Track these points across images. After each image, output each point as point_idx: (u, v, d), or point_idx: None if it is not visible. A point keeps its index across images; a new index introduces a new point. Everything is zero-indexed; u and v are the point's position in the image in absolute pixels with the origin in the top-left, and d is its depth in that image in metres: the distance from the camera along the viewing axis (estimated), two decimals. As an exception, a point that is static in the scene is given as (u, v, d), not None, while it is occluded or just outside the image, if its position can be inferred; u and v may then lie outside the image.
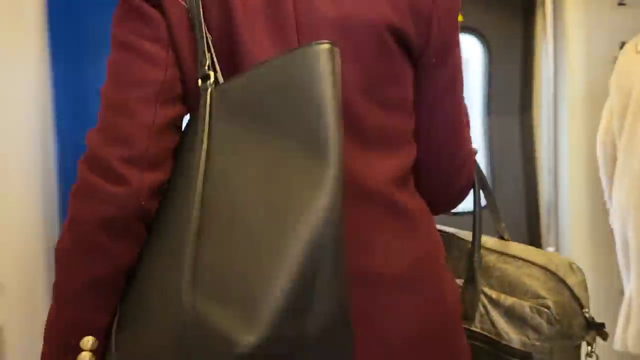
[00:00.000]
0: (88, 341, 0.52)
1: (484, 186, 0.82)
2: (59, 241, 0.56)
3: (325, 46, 0.51)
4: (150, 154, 0.54)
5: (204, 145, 0.51)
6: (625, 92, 1.51)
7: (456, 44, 0.68)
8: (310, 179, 0.48)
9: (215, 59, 0.55)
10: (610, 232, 1.58)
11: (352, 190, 0.56)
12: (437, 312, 0.64)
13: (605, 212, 1.62)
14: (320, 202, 0.46)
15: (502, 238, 0.83)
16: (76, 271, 0.54)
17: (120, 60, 0.56)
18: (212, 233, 0.50)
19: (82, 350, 0.52)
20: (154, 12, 0.56)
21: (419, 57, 0.65)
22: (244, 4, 0.57)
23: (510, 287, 0.74)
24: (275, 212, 0.48)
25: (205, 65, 0.54)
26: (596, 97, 1.76)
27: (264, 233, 0.48)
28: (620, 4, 1.78)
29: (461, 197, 0.77)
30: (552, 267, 0.74)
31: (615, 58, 1.63)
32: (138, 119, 0.54)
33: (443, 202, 0.75)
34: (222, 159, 0.52)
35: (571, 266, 0.76)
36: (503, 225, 0.83)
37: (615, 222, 1.56)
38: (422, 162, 0.68)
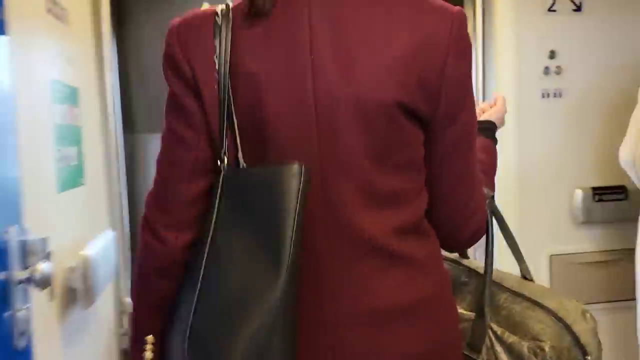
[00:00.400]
0: (149, 338, 0.72)
1: (502, 227, 0.87)
2: (132, 273, 0.79)
3: (295, 167, 0.62)
4: (184, 220, 0.69)
5: (213, 218, 0.66)
6: None
7: (466, 106, 0.71)
8: (267, 276, 0.61)
9: (238, 141, 0.67)
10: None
11: (359, 243, 0.67)
12: (435, 347, 0.70)
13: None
14: (267, 304, 0.60)
15: (524, 278, 0.87)
16: (137, 295, 0.75)
17: (166, 141, 0.70)
18: (206, 298, 0.64)
19: (146, 342, 0.72)
20: (191, 103, 0.68)
21: (428, 123, 0.69)
22: (268, 81, 0.66)
23: (514, 326, 0.79)
24: (245, 293, 0.62)
25: (222, 150, 0.67)
26: (526, 105, 1.70)
27: (232, 311, 0.62)
28: (551, 10, 1.68)
29: (472, 242, 0.80)
30: (562, 313, 0.77)
31: (546, 67, 1.66)
32: (175, 194, 0.69)
33: (453, 246, 0.82)
34: (222, 233, 0.65)
35: (584, 313, 0.78)
36: (525, 265, 0.88)
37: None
38: (432, 211, 0.74)
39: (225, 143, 0.67)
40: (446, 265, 0.86)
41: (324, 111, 0.66)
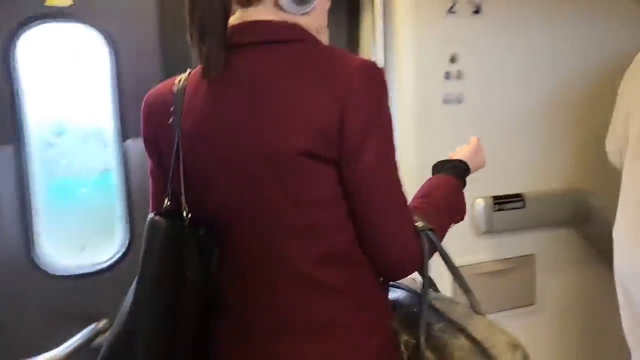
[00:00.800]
0: None
1: (444, 260, 0.87)
2: None
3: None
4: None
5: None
6: None
7: (370, 147, 0.75)
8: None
9: (183, 192, 0.82)
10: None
11: (285, 271, 0.78)
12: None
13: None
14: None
15: (474, 310, 0.87)
16: None
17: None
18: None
19: None
20: (152, 145, 0.86)
21: (337, 164, 0.76)
22: (205, 138, 0.79)
23: (441, 355, 0.83)
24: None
25: (166, 198, 0.85)
26: (427, 111, 1.66)
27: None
28: (451, 11, 1.63)
29: (401, 273, 0.84)
30: (487, 344, 0.80)
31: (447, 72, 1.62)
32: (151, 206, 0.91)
33: (386, 276, 0.85)
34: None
35: (513, 346, 0.79)
36: (474, 297, 0.88)
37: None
38: (359, 242, 0.79)
39: (168, 192, 0.84)
40: (402, 293, 0.93)
41: (243, 163, 0.77)
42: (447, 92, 1.67)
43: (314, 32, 0.82)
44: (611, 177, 1.57)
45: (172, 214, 0.81)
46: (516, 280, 1.82)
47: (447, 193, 0.95)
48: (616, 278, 1.48)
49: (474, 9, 1.67)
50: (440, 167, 1.02)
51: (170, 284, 0.79)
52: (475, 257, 1.75)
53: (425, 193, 0.93)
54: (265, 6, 0.80)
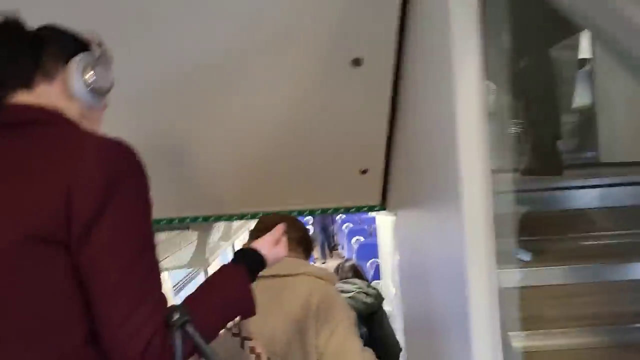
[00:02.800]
0: None
1: (200, 352, 0.82)
2: None
3: None
4: None
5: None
6: None
7: (105, 221, 0.73)
8: None
9: None
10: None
11: None
12: None
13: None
14: None
15: None
16: None
17: None
18: None
19: None
20: None
21: (67, 245, 0.73)
22: None
23: None
24: None
25: None
26: None
27: None
28: None
29: None
30: None
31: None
32: None
33: None
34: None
35: None
36: None
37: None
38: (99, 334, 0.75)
39: None
40: None
41: None
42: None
43: (75, 117, 0.85)
44: None
45: None
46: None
47: (230, 284, 0.93)
48: None
49: None
50: (237, 256, 1.03)
51: None
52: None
53: (204, 282, 0.92)
54: (33, 91, 0.83)
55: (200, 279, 4.66)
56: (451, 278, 1.03)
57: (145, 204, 0.79)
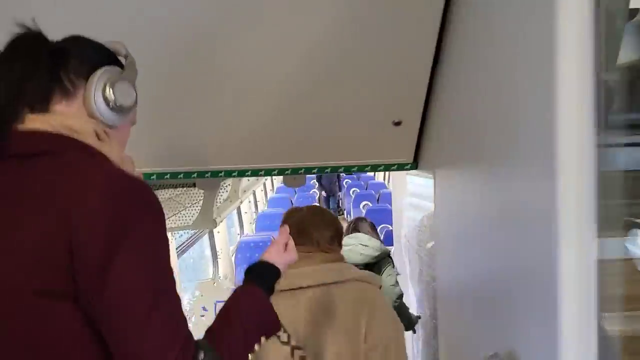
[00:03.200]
0: None
1: None
2: None
3: None
4: None
5: None
6: None
7: (114, 271, 0.68)
8: None
9: None
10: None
11: None
12: None
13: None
14: None
15: None
16: None
17: None
18: None
19: None
20: None
21: (76, 297, 0.68)
22: None
23: None
24: None
25: None
26: None
27: None
28: None
29: None
30: None
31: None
32: None
33: None
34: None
35: None
36: None
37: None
38: None
39: None
40: None
41: None
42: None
43: (94, 139, 0.77)
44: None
45: None
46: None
47: (249, 308, 0.90)
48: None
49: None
50: (248, 273, 0.99)
51: None
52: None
53: (222, 311, 0.88)
54: (45, 115, 0.76)
55: (205, 241, 4.48)
56: (528, 244, 0.88)
57: (160, 241, 0.74)
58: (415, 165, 1.93)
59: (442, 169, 1.63)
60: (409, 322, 2.43)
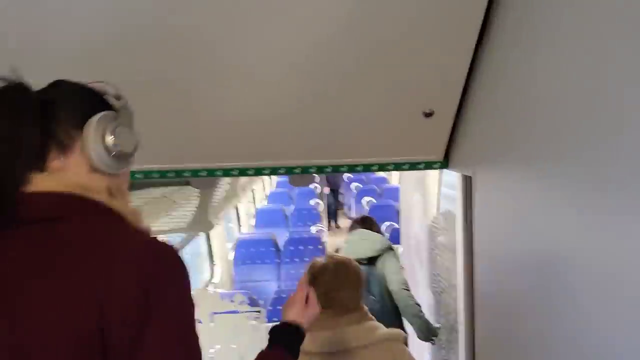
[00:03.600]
0: None
1: None
2: None
3: None
4: None
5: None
6: None
7: (144, 341, 0.66)
8: None
9: None
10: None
11: None
12: None
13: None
14: None
15: None
16: None
17: None
18: None
19: None
20: None
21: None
22: None
23: None
24: None
25: None
26: None
27: None
28: None
29: None
30: None
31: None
32: None
33: None
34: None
35: None
36: None
37: None
38: None
39: None
40: None
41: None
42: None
43: (103, 192, 0.75)
44: None
45: None
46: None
47: None
48: None
49: None
50: (271, 338, 1.00)
51: None
52: None
53: None
54: (53, 175, 0.72)
55: (201, 236, 4.20)
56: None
57: (189, 308, 0.72)
58: (445, 163, 1.65)
59: (485, 169, 1.35)
60: (429, 332, 2.39)
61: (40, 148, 0.72)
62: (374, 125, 1.54)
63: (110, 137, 0.75)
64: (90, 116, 0.75)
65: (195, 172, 1.66)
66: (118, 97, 0.79)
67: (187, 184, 2.38)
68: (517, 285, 1.13)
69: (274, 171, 1.68)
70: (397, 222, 6.49)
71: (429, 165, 1.66)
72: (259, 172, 1.67)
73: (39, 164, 0.72)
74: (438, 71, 1.36)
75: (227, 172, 1.66)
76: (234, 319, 2.42)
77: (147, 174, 1.66)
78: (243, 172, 1.66)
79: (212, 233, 4.62)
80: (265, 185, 9.76)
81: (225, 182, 2.64)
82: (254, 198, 8.36)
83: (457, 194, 1.87)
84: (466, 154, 1.50)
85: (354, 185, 9.64)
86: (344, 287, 1.45)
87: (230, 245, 5.54)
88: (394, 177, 9.53)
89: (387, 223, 5.82)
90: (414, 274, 3.23)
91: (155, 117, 1.45)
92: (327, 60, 1.33)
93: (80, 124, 0.75)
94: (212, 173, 1.66)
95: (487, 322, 1.42)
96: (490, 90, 1.28)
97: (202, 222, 2.39)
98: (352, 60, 1.33)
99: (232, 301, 2.43)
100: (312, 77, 1.38)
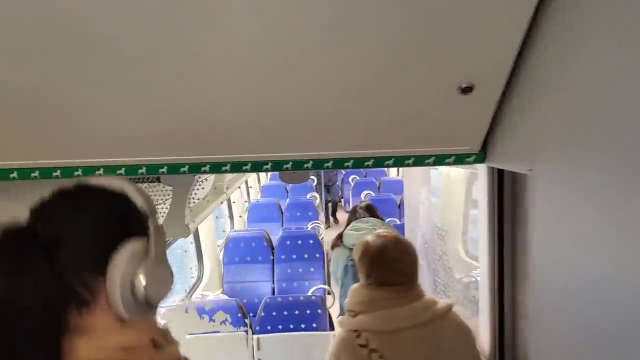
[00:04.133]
0: None
1: None
2: None
3: None
4: None
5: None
6: None
7: None
8: None
9: None
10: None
11: None
12: None
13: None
14: None
15: None
16: None
17: None
18: None
19: None
20: None
21: None
22: None
23: None
24: None
25: None
26: None
27: None
28: None
29: None
30: None
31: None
32: None
33: None
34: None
35: None
36: None
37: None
38: None
39: None
40: None
41: None
42: None
43: (146, 355, 0.64)
44: None
45: None
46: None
47: None
48: None
49: None
50: None
51: None
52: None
53: None
54: (71, 332, 0.61)
55: (184, 243, 3.82)
56: None
57: None
58: (482, 156, 1.26)
59: (546, 164, 0.96)
60: None
61: (57, 308, 0.61)
62: (390, 109, 1.14)
63: (140, 278, 0.62)
64: (110, 252, 0.62)
65: (152, 168, 1.26)
66: (150, 215, 0.65)
67: (158, 180, 1.97)
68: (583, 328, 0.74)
69: (256, 166, 1.28)
70: (398, 218, 6.14)
71: (459, 159, 1.26)
72: (236, 167, 1.27)
73: (63, 328, 0.61)
74: (485, 31, 0.96)
75: (194, 168, 1.26)
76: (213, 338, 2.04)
77: (86, 171, 1.26)
78: (216, 167, 1.27)
79: (201, 229, 4.23)
80: (260, 178, 9.36)
81: (205, 179, 2.23)
82: (247, 190, 7.96)
83: (482, 196, 1.48)
84: (518, 145, 1.10)
85: (351, 177, 9.25)
86: (408, 262, 1.45)
87: (220, 242, 5.17)
88: (392, 169, 9.19)
89: (389, 219, 5.44)
90: (422, 281, 2.88)
91: (116, 108, 1.05)
92: (331, 14, 0.94)
93: (100, 264, 0.62)
94: (174, 169, 1.26)
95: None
96: (557, 62, 0.88)
97: (175, 227, 2.00)
98: (360, 24, 0.93)
99: (212, 320, 2.04)
100: (300, 43, 0.98)
